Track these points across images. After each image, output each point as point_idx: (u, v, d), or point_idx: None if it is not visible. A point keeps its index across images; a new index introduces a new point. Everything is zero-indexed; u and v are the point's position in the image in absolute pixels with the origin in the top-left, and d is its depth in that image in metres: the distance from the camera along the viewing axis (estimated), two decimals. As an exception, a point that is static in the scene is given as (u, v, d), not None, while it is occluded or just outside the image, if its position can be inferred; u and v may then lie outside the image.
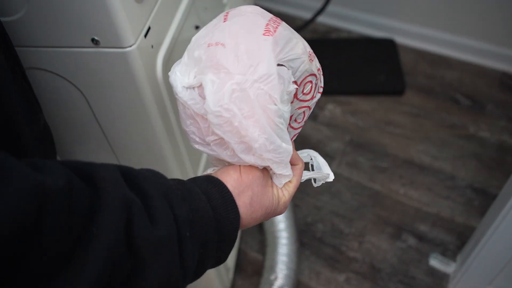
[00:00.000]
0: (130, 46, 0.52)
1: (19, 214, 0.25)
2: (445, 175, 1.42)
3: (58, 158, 0.70)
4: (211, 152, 0.45)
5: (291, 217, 1.26)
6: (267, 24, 0.42)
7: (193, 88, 0.42)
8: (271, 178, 0.47)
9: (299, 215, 1.35)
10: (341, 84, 1.67)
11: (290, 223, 1.25)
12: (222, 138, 0.42)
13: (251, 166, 0.44)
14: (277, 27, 0.42)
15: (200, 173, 0.81)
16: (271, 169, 0.45)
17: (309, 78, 0.45)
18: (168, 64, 0.62)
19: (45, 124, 0.54)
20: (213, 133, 0.42)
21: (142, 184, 0.35)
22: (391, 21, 1.83)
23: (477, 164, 1.44)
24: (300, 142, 1.51)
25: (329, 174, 0.51)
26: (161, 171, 0.61)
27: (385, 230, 1.31)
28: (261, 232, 1.31)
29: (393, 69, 1.72)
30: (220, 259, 0.41)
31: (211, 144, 0.44)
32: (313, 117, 1.58)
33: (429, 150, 1.48)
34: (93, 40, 0.51)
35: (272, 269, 1.17)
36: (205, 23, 0.77)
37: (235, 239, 0.41)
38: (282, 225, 1.24)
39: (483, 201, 1.35)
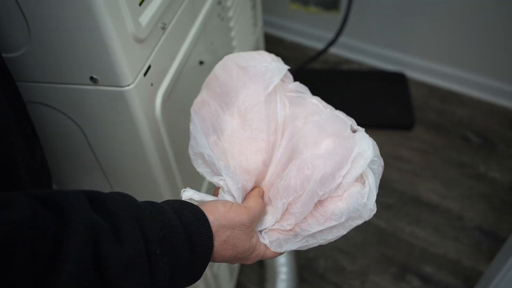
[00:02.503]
0: (128, 85, 0.52)
1: None
2: (453, 215, 1.38)
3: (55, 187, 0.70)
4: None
5: (292, 252, 1.24)
6: None
7: None
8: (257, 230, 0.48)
9: (301, 250, 1.32)
10: (350, 116, 1.65)
11: (291, 258, 1.22)
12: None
13: (242, 208, 0.45)
14: None
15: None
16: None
17: None
18: (168, 100, 0.63)
19: (43, 160, 0.54)
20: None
21: (110, 207, 0.35)
22: (402, 55, 1.83)
23: (487, 206, 1.40)
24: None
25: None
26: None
27: (388, 270, 1.27)
28: (261, 265, 1.29)
29: (403, 103, 1.71)
30: (195, 277, 0.41)
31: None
32: (320, 148, 1.57)
33: (437, 188, 1.45)
34: (92, 78, 0.51)
35: (270, 305, 1.14)
36: (210, 58, 0.78)
37: (209, 257, 0.41)
38: (283, 259, 1.21)
39: (491, 244, 1.31)
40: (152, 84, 0.57)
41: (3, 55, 0.49)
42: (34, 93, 0.55)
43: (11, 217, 0.28)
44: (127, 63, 0.50)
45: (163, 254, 0.36)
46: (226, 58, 0.55)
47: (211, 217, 0.42)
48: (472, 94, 1.74)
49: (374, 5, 1.74)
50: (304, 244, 0.49)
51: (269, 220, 0.49)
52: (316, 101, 0.53)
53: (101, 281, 0.31)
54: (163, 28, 0.58)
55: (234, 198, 0.48)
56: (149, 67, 0.55)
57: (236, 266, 1.20)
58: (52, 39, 0.48)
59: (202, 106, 0.54)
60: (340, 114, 0.52)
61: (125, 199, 0.38)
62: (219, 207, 0.43)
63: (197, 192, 0.47)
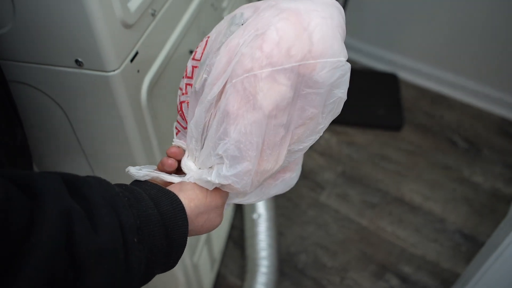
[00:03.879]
0: (114, 71, 0.51)
1: None
2: (434, 217, 1.40)
3: (36, 169, 0.69)
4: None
5: (274, 245, 1.25)
6: None
7: None
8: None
9: (283, 244, 1.33)
10: (340, 113, 1.66)
11: (272, 252, 1.23)
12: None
13: (217, 193, 0.45)
14: None
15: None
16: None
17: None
18: (155, 88, 0.62)
19: (23, 140, 0.53)
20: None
21: (86, 192, 0.35)
22: (395, 56, 1.83)
23: (468, 209, 1.42)
24: (292, 169, 1.50)
25: None
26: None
27: (368, 268, 1.28)
28: (242, 257, 1.29)
29: (393, 104, 1.72)
30: (169, 265, 0.42)
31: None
32: (308, 144, 1.58)
33: (421, 190, 1.47)
34: (76, 61, 0.51)
35: (249, 297, 1.15)
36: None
37: (185, 245, 0.42)
38: (264, 252, 1.22)
39: (470, 247, 1.33)
40: (138, 71, 0.56)
41: (-13, 32, 0.48)
42: (17, 72, 0.54)
43: None
44: (113, 48, 0.49)
45: (140, 242, 0.36)
46: None
47: (192, 204, 0.43)
48: (461, 98, 1.75)
49: (371, 5, 1.74)
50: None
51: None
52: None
53: (74, 267, 0.31)
54: (153, 15, 0.58)
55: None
56: (136, 53, 0.55)
57: (217, 257, 1.20)
58: (37, 19, 0.47)
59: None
60: None
61: (102, 185, 0.38)
62: (197, 193, 0.44)
63: (141, 168, 0.45)
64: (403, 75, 1.84)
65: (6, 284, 0.28)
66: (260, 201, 0.47)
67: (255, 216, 1.26)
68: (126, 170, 0.45)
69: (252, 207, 1.28)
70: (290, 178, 0.50)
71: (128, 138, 0.58)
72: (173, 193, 0.42)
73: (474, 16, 1.54)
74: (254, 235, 1.25)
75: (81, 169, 0.67)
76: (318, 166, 1.53)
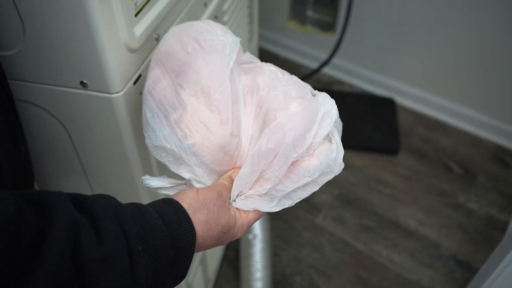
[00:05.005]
0: (117, 93, 0.53)
1: None
2: (429, 242, 1.40)
3: (36, 187, 0.70)
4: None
5: (269, 267, 1.25)
6: None
7: None
8: (229, 203, 0.49)
9: (278, 265, 1.33)
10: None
11: (267, 273, 1.23)
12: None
13: (208, 189, 0.47)
14: None
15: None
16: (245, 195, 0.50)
17: None
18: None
19: (26, 157, 0.55)
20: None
21: (91, 206, 0.36)
22: (392, 81, 1.86)
23: (463, 236, 1.43)
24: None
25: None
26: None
27: (362, 292, 1.28)
28: (237, 278, 1.29)
29: (390, 128, 1.74)
30: (177, 276, 0.42)
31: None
32: (305, 166, 1.59)
33: (416, 215, 1.48)
34: (81, 82, 0.52)
35: (242, 319, 1.14)
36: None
37: (192, 254, 0.42)
38: (259, 274, 1.22)
39: (465, 274, 1.33)
40: (141, 93, 0.58)
41: (-4, 52, 0.50)
42: (24, 91, 0.56)
43: None
44: (117, 71, 0.51)
45: (145, 251, 0.37)
46: (176, 31, 0.53)
47: (184, 205, 0.43)
48: (457, 124, 1.78)
49: (369, 30, 1.78)
50: (281, 207, 0.50)
51: (241, 185, 0.49)
52: (273, 68, 0.54)
53: (79, 275, 0.32)
54: (157, 39, 0.60)
55: (204, 185, 0.50)
56: (139, 76, 0.57)
57: (211, 277, 1.20)
58: (46, 41, 0.49)
59: (158, 85, 0.51)
60: (297, 80, 0.54)
61: (105, 199, 0.39)
62: (188, 193, 0.45)
63: (154, 179, 0.51)
64: (400, 100, 1.87)
65: None
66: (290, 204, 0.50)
67: (250, 236, 1.26)
68: (141, 179, 0.50)
69: (248, 227, 1.28)
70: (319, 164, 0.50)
71: (128, 158, 0.59)
72: (177, 201, 0.43)
73: (472, 45, 1.58)
74: (249, 256, 1.25)
75: (81, 188, 0.68)
76: (315, 188, 1.54)
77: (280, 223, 1.43)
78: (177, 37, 0.52)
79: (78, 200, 0.36)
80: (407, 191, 1.55)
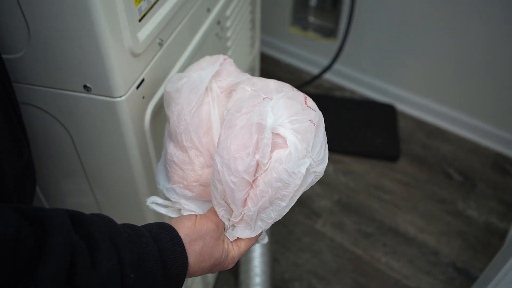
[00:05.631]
0: (120, 97, 0.53)
1: None
2: (428, 249, 1.40)
3: (38, 190, 0.70)
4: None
5: (268, 272, 1.24)
6: None
7: None
8: (224, 230, 0.49)
9: (277, 270, 1.33)
10: (337, 142, 1.69)
11: (266, 279, 1.23)
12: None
13: (206, 218, 0.47)
14: None
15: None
16: (233, 224, 0.49)
17: None
18: (159, 113, 0.64)
19: (29, 161, 0.55)
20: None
21: (89, 228, 0.37)
22: (393, 87, 1.87)
23: (462, 243, 1.43)
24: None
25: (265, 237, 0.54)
26: (136, 218, 0.63)
27: (361, 298, 1.28)
28: (236, 282, 1.29)
29: (390, 135, 1.75)
30: None
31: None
32: (306, 171, 1.59)
33: (416, 221, 1.48)
34: (85, 86, 0.53)
35: (241, 324, 1.14)
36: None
37: (182, 282, 0.43)
38: (258, 279, 1.22)
39: (464, 281, 1.33)
40: (143, 97, 0.58)
41: (2, 56, 0.50)
42: (27, 94, 0.57)
43: None
44: (121, 75, 0.52)
45: (137, 278, 0.38)
46: (172, 82, 0.55)
47: (181, 235, 0.43)
48: (458, 132, 1.78)
49: (370, 37, 1.79)
50: (258, 232, 0.48)
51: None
52: (245, 84, 0.52)
53: None
54: (160, 44, 0.60)
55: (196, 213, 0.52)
56: (142, 80, 0.57)
57: (210, 281, 1.20)
58: (50, 45, 0.50)
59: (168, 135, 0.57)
60: (260, 92, 0.49)
61: (104, 222, 0.39)
62: (185, 223, 0.45)
63: (161, 199, 0.53)
64: (400, 106, 1.87)
65: None
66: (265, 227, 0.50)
67: (250, 241, 1.26)
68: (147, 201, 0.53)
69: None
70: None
71: (130, 162, 0.60)
72: (174, 229, 0.44)
73: (472, 52, 1.59)
74: (249, 260, 1.25)
75: (82, 191, 0.68)
76: (315, 194, 1.54)
77: (279, 228, 1.43)
78: (178, 89, 0.55)
79: (76, 220, 0.37)
80: (407, 198, 1.55)
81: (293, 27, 1.97)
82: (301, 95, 0.49)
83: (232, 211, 0.48)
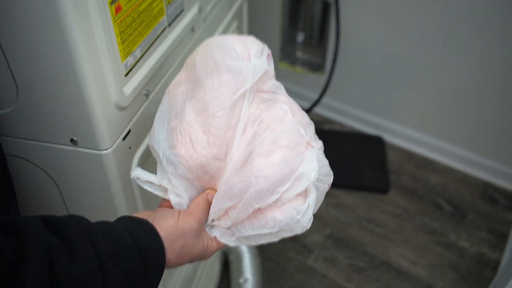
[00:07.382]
0: (106, 149, 0.54)
1: None
2: (422, 283, 1.40)
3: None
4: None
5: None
6: None
7: None
8: (205, 227, 0.52)
9: (270, 309, 1.31)
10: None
11: (259, 317, 1.21)
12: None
13: (189, 215, 0.49)
14: None
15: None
16: (213, 220, 0.52)
17: None
18: (146, 161, 0.65)
19: (16, 212, 0.55)
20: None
21: (62, 227, 0.38)
22: (381, 119, 1.90)
23: (455, 275, 1.42)
24: (280, 230, 1.51)
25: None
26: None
27: (356, 336, 1.26)
28: (228, 322, 1.27)
29: (380, 167, 1.76)
30: None
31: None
32: (297, 206, 1.59)
33: (408, 254, 1.48)
34: (72, 140, 0.54)
35: None
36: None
37: (162, 269, 0.44)
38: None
39: (458, 315, 1.32)
40: (130, 148, 0.60)
41: (-10, 112, 0.51)
42: (15, 147, 0.57)
43: None
44: (106, 129, 0.53)
45: (116, 267, 0.39)
46: (208, 45, 0.54)
47: (163, 233, 0.45)
48: (446, 162, 1.81)
49: (357, 71, 1.84)
50: (239, 243, 0.52)
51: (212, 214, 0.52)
52: (286, 106, 0.55)
53: None
54: (147, 95, 0.62)
55: (181, 198, 0.52)
56: (128, 132, 0.58)
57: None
58: (38, 102, 0.51)
59: (176, 89, 0.54)
60: (301, 128, 0.53)
61: (77, 220, 0.41)
62: (168, 221, 0.47)
63: (146, 172, 0.52)
64: (389, 138, 1.90)
65: None
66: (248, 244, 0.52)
67: (241, 280, 1.25)
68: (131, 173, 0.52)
69: (239, 271, 1.27)
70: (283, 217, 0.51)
71: (116, 212, 0.60)
72: (146, 220, 0.46)
73: (459, 84, 1.63)
74: (241, 300, 1.23)
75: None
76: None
77: (271, 265, 1.42)
78: (205, 51, 0.53)
79: (50, 222, 0.38)
80: (398, 230, 1.55)
81: (282, 62, 2.02)
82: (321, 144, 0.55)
83: (219, 215, 0.51)
